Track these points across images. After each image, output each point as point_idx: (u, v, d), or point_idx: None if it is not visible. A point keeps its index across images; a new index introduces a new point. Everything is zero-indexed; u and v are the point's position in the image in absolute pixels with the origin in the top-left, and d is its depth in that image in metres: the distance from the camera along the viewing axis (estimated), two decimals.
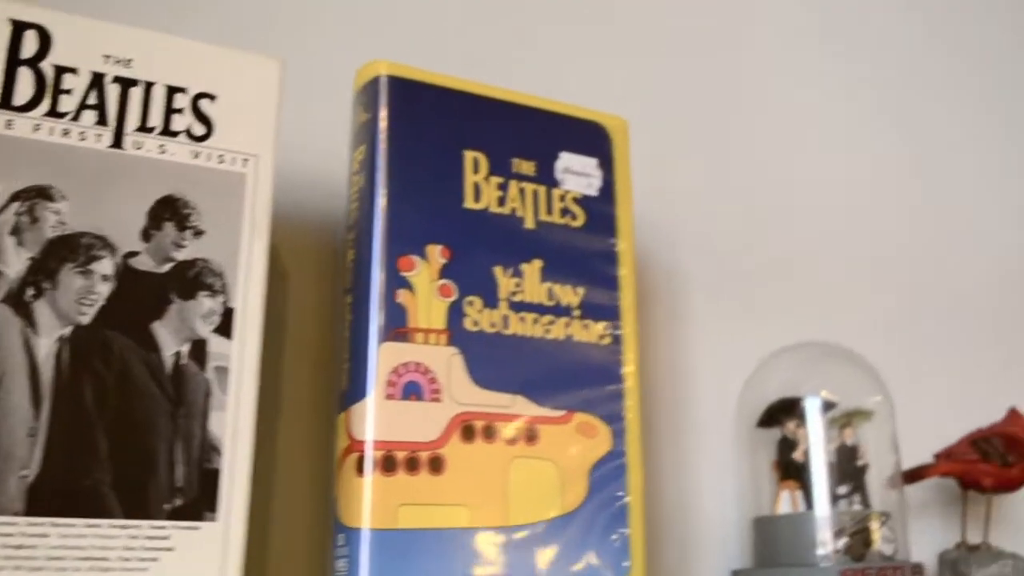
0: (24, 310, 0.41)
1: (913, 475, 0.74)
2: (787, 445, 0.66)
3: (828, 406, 0.68)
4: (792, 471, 0.66)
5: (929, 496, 0.83)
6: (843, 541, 0.62)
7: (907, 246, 0.90)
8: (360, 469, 0.47)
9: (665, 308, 0.74)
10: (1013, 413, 0.77)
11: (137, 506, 0.41)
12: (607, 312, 0.56)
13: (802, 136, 0.87)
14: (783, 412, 0.67)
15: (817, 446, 0.65)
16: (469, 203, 0.53)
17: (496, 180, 0.54)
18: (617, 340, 0.56)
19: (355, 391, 0.49)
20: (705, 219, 0.79)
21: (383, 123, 0.52)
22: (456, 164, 0.54)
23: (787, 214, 0.84)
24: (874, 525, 0.63)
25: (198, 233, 0.45)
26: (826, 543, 0.62)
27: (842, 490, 0.67)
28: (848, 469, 0.67)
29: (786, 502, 0.65)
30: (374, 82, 0.53)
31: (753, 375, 0.69)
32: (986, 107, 1.01)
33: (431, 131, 0.53)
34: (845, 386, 0.68)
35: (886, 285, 0.87)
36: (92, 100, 0.44)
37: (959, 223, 0.94)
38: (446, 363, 0.50)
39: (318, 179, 0.63)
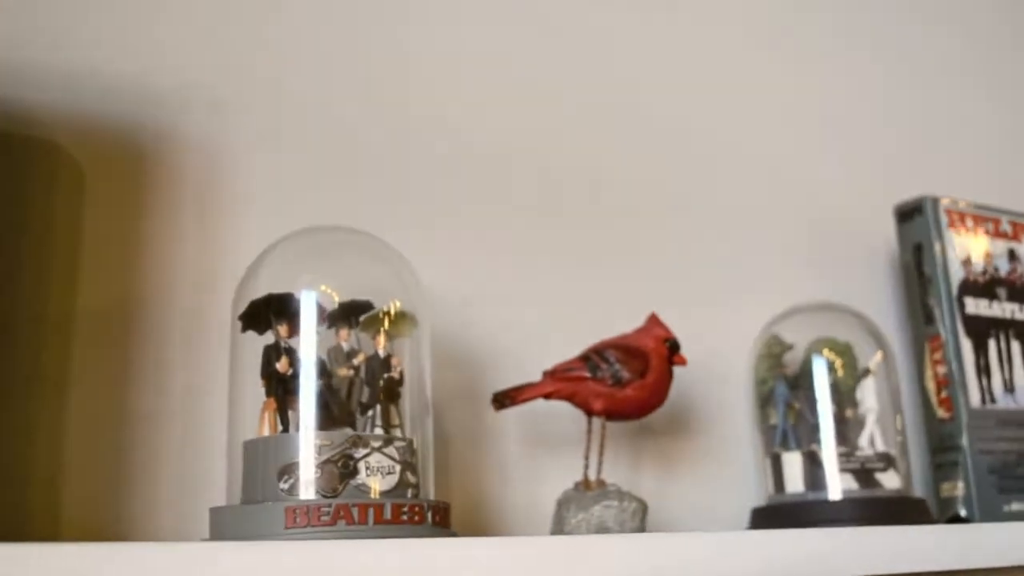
0: None
1: (505, 397, 0.60)
2: (275, 353, 0.53)
3: (357, 308, 0.55)
4: (276, 385, 0.52)
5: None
6: (313, 472, 0.49)
7: (535, 129, 0.75)
8: None
9: (193, 191, 0.61)
10: (652, 319, 0.62)
11: None
12: None
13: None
14: (273, 312, 0.53)
15: (306, 352, 0.52)
16: None
17: None
18: None
19: None
20: (255, 90, 0.65)
21: None
22: None
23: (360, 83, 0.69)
24: (359, 452, 0.50)
25: None
26: (292, 474, 0.49)
27: (361, 410, 0.53)
28: (376, 385, 0.54)
29: (267, 423, 0.52)
30: None
31: (251, 266, 0.55)
32: None
33: None
34: (369, 283, 0.55)
35: (504, 176, 0.73)
36: None
37: (591, 112, 0.78)
38: None
39: None
